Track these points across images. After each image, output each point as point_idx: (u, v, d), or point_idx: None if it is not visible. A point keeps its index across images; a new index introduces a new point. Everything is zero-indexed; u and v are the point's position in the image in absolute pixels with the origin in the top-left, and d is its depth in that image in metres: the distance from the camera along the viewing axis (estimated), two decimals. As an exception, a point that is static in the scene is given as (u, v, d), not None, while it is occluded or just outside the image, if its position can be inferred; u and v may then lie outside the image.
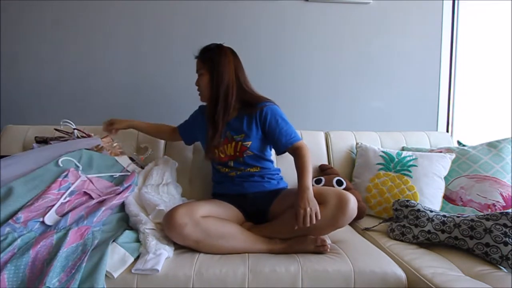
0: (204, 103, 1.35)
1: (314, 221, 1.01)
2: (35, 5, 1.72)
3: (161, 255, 0.94)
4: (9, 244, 0.85)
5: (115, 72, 1.79)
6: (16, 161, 1.10)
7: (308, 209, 1.01)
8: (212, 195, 1.37)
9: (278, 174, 1.34)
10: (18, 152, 1.50)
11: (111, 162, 1.32)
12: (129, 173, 1.32)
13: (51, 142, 1.35)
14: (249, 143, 1.23)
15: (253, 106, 1.25)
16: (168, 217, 1.01)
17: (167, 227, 1.01)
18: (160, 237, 1.02)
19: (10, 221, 0.90)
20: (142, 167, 1.42)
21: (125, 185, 1.20)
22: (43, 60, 1.75)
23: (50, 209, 0.99)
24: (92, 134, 1.44)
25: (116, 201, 1.11)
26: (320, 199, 1.06)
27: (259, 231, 1.13)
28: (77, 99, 1.78)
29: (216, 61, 1.23)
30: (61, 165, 1.13)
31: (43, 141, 1.39)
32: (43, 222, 0.95)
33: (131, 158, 1.44)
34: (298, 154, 1.18)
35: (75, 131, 1.41)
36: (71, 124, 1.43)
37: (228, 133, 1.26)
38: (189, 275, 0.92)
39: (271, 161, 1.33)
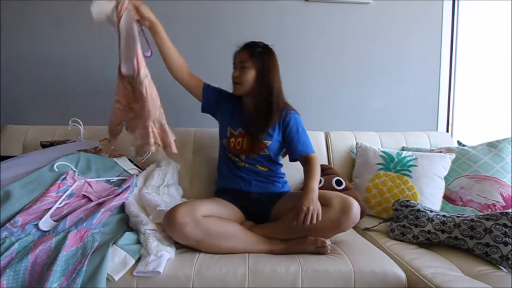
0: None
1: (315, 221, 1.01)
2: (35, 5, 1.72)
3: (163, 256, 0.93)
4: (7, 249, 0.84)
5: (116, 72, 1.78)
6: (15, 163, 1.09)
7: (311, 208, 1.01)
8: (215, 192, 1.37)
9: (283, 178, 1.35)
10: (18, 152, 1.51)
11: (110, 164, 1.31)
12: (128, 175, 1.31)
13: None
14: (269, 142, 1.25)
15: (279, 112, 1.26)
16: (168, 216, 1.01)
17: (168, 226, 1.01)
18: (161, 238, 1.01)
19: (7, 224, 0.90)
20: (142, 169, 1.42)
21: (124, 186, 1.19)
22: (43, 60, 1.75)
23: (47, 212, 0.98)
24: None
25: (115, 202, 1.10)
26: (325, 201, 1.07)
27: (260, 230, 1.13)
28: (78, 99, 1.78)
29: (266, 61, 1.24)
30: (57, 169, 1.11)
31: (50, 145, 1.38)
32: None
33: (130, 160, 1.43)
34: (309, 163, 1.20)
35: (81, 135, 1.42)
36: (79, 123, 1.43)
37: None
38: (189, 275, 0.92)
39: (281, 165, 1.35)
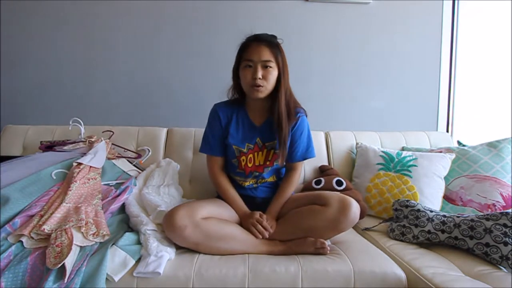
0: (220, 101, 1.28)
1: (266, 235, 1.08)
2: (35, 5, 1.72)
3: (163, 257, 0.93)
4: (5, 251, 0.84)
5: (116, 72, 1.79)
6: (11, 167, 1.09)
7: (265, 223, 1.09)
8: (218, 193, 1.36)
9: None
10: (18, 152, 1.51)
11: (109, 166, 1.31)
12: (128, 177, 1.31)
13: (55, 148, 1.35)
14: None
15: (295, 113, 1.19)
16: (168, 219, 1.00)
17: (167, 229, 1.00)
18: (162, 239, 1.01)
19: (6, 226, 0.89)
20: (142, 170, 1.42)
21: (122, 188, 1.19)
22: (43, 60, 1.75)
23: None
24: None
25: (115, 204, 1.10)
26: (323, 201, 1.08)
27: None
28: (77, 99, 1.78)
29: (284, 61, 1.15)
30: (55, 177, 1.12)
31: (48, 146, 1.38)
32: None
33: (129, 162, 1.43)
34: (291, 175, 1.24)
35: (82, 135, 1.43)
36: (80, 123, 1.43)
37: (259, 140, 1.20)
38: (189, 276, 0.92)
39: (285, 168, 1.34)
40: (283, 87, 1.13)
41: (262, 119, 1.22)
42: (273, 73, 1.12)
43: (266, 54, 1.10)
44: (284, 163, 1.24)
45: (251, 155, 1.21)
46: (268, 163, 1.20)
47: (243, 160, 1.20)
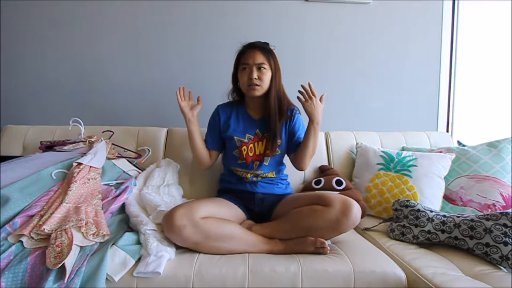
0: (222, 102, 1.41)
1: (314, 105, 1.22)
2: (35, 5, 1.72)
3: (163, 257, 0.93)
4: (5, 251, 0.84)
5: (116, 72, 1.79)
6: (11, 167, 1.09)
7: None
8: (219, 190, 1.38)
9: (286, 179, 1.38)
10: (18, 152, 1.51)
11: (109, 166, 1.31)
12: (128, 177, 1.31)
13: (55, 148, 1.35)
14: (279, 141, 1.29)
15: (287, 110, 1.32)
16: (167, 219, 1.01)
17: (166, 229, 1.01)
18: (161, 239, 1.01)
19: (6, 226, 0.89)
20: (142, 170, 1.42)
21: (122, 188, 1.19)
22: (43, 60, 1.75)
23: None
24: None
25: (115, 205, 1.10)
26: (325, 202, 1.08)
27: (259, 229, 1.13)
28: (77, 99, 1.78)
29: (277, 65, 1.28)
30: (54, 177, 1.12)
31: (48, 146, 1.38)
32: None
33: (129, 161, 1.43)
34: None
35: (82, 135, 1.43)
36: (80, 123, 1.43)
37: (258, 131, 1.31)
38: (189, 276, 0.92)
39: (285, 165, 1.38)
40: (274, 87, 1.27)
41: (260, 115, 1.33)
42: (267, 74, 1.25)
43: (260, 58, 1.24)
44: (279, 152, 1.30)
45: (251, 145, 1.29)
46: (267, 151, 1.28)
47: (244, 149, 1.29)
